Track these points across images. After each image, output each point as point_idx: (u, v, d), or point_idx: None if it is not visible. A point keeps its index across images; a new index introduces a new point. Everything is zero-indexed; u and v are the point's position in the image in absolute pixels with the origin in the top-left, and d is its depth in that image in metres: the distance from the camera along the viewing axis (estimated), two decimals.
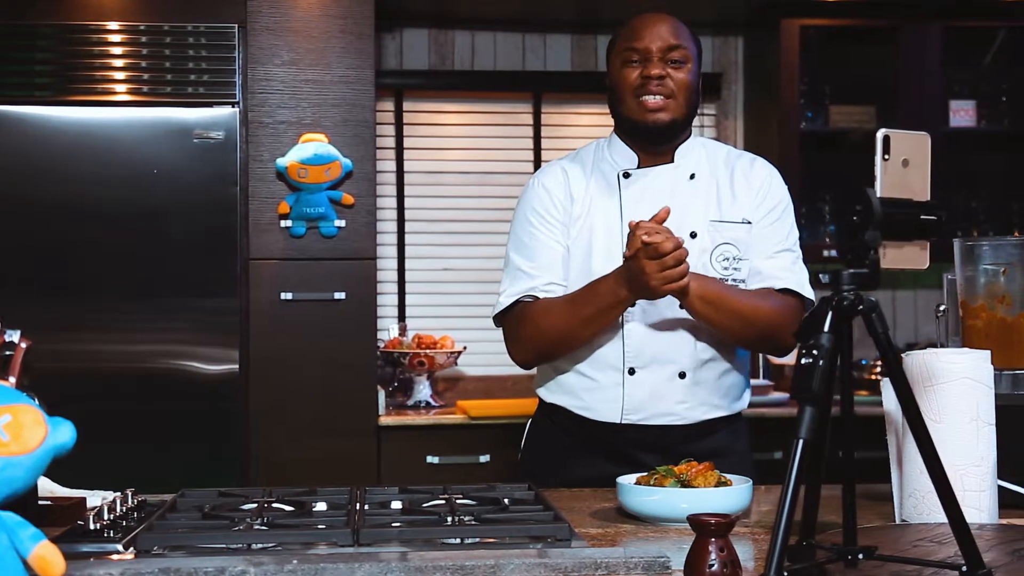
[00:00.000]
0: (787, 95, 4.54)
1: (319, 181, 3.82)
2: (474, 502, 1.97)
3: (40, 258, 3.72)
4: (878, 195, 1.31)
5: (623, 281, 2.22)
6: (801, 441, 1.25)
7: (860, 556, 1.29)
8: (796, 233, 2.47)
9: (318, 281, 3.88)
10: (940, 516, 1.68)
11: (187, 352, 3.77)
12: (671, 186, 2.38)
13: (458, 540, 1.72)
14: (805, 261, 4.59)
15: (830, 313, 1.27)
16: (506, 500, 1.99)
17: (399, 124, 4.69)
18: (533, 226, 2.42)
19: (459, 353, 4.28)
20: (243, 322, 3.82)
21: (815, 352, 1.25)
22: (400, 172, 4.70)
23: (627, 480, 1.99)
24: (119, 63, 3.77)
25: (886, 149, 1.32)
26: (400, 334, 4.40)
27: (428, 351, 4.20)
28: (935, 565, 1.31)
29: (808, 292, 2.41)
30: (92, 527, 1.73)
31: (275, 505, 1.94)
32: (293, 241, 3.86)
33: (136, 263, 3.76)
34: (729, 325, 2.31)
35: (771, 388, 4.37)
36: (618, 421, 2.33)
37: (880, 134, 1.32)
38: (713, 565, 1.46)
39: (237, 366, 3.79)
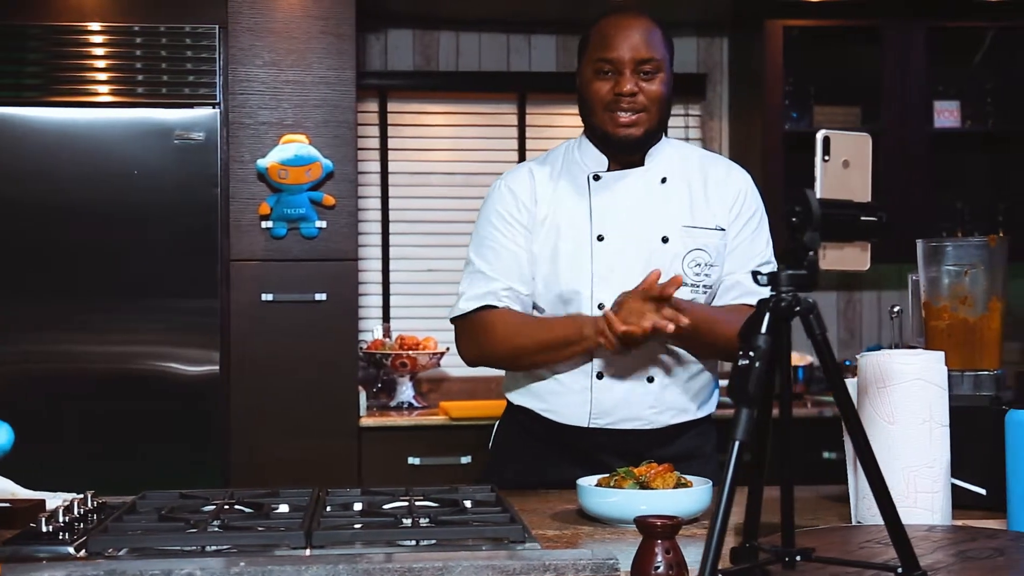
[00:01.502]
0: (771, 96, 4.53)
1: (300, 182, 3.82)
2: (436, 504, 1.97)
3: (20, 258, 3.73)
4: (818, 196, 1.30)
5: (593, 331, 2.22)
6: (737, 443, 1.24)
7: (798, 558, 1.29)
8: (771, 243, 2.47)
9: (299, 282, 3.87)
10: None
11: (168, 353, 3.77)
12: (641, 190, 2.35)
13: (413, 542, 1.72)
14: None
15: (767, 315, 1.26)
16: (466, 502, 1.99)
17: (383, 125, 4.70)
18: (496, 228, 2.40)
19: (442, 354, 4.28)
20: (224, 323, 3.81)
21: (751, 354, 1.24)
22: (384, 173, 4.69)
23: (587, 482, 1.99)
24: (101, 64, 3.77)
25: (826, 150, 1.32)
26: (384, 335, 4.40)
27: (411, 352, 4.19)
28: (870, 567, 1.30)
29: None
30: (45, 529, 1.72)
31: (235, 507, 1.94)
32: (274, 242, 3.86)
33: (117, 264, 3.76)
34: (710, 351, 2.35)
35: None
36: (585, 425, 2.32)
37: (820, 135, 1.32)
38: (659, 567, 1.46)
39: (218, 367, 3.79)
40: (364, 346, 4.31)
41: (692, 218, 2.35)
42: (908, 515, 1.69)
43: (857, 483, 1.77)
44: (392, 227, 4.69)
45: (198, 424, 3.78)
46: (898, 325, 2.04)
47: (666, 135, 2.48)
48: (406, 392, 4.28)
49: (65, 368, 3.73)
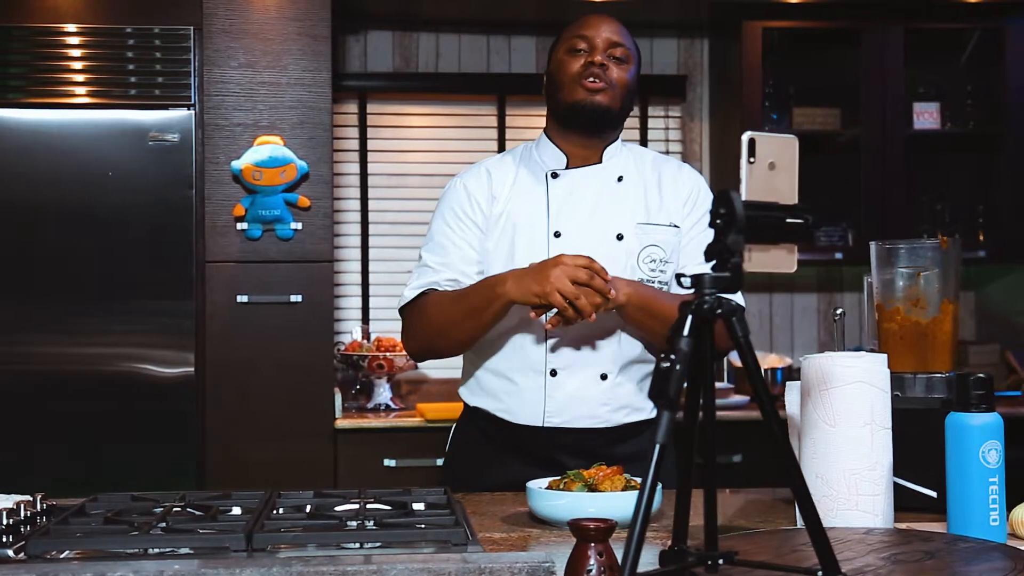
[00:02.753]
0: (750, 97, 4.53)
1: (274, 183, 3.82)
2: (388, 507, 1.96)
3: None
4: (742, 198, 1.30)
5: (510, 279, 2.23)
6: (658, 446, 1.24)
7: (720, 561, 1.29)
8: None
9: (275, 284, 3.87)
10: (834, 520, 1.68)
11: (143, 355, 3.77)
12: (598, 187, 2.39)
13: (358, 544, 1.72)
14: None
15: (689, 317, 1.26)
16: (418, 505, 1.99)
17: (363, 126, 4.69)
18: (448, 225, 2.43)
19: None
20: (199, 324, 3.82)
21: (672, 356, 1.24)
22: (364, 174, 4.69)
23: (536, 484, 1.99)
24: (76, 65, 3.77)
25: (751, 152, 1.31)
26: (363, 337, 4.40)
27: (387, 354, 4.19)
28: (792, 570, 1.30)
29: (740, 300, 2.42)
30: None
31: (185, 510, 1.93)
32: (249, 244, 3.86)
33: (91, 265, 3.76)
34: (661, 331, 2.32)
35: (731, 391, 4.36)
36: (540, 424, 2.33)
37: (745, 137, 1.32)
38: (591, 570, 1.45)
39: (193, 369, 3.79)
40: (342, 348, 4.31)
41: (647, 215, 2.38)
42: (850, 518, 1.69)
43: None
44: (371, 228, 4.69)
45: (173, 425, 3.78)
46: (840, 328, 2.03)
47: (622, 141, 2.51)
48: (383, 394, 4.28)
49: (39, 369, 3.73)
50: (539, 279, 2.17)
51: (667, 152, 4.89)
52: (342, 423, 3.97)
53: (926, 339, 2.04)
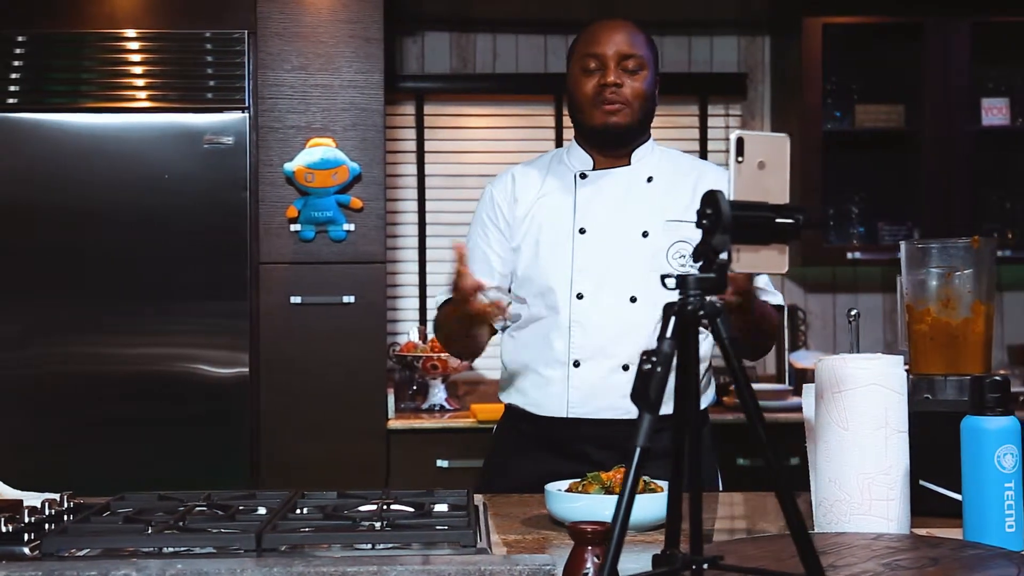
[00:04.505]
0: (809, 95, 4.46)
1: (326, 185, 3.84)
2: (408, 508, 1.96)
3: (54, 262, 3.80)
4: (731, 198, 1.28)
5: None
6: (639, 449, 1.23)
7: (705, 566, 1.27)
8: None
9: (327, 285, 3.90)
10: (848, 526, 1.65)
11: (197, 355, 3.82)
12: (626, 186, 2.42)
13: (369, 545, 1.72)
14: (831, 263, 4.56)
15: (672, 319, 1.24)
16: (439, 506, 1.99)
17: (420, 128, 4.71)
18: (476, 233, 2.55)
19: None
20: (253, 325, 3.86)
21: (654, 359, 1.22)
22: (421, 176, 4.71)
23: (555, 487, 1.98)
24: (133, 70, 3.84)
25: (740, 152, 1.29)
26: (419, 338, 4.41)
27: (441, 355, 4.20)
28: (775, 574, 1.28)
29: (780, 299, 2.44)
30: (4, 529, 1.75)
31: (211, 509, 1.95)
32: (302, 245, 3.89)
33: (148, 267, 3.82)
34: (755, 338, 2.37)
35: (789, 393, 4.30)
36: (564, 415, 2.34)
37: (733, 136, 1.29)
38: (588, 573, 1.44)
39: (247, 369, 3.83)
40: (397, 348, 4.33)
41: (677, 213, 2.37)
42: (864, 523, 1.66)
43: (816, 491, 1.73)
44: (429, 229, 4.70)
45: (227, 425, 3.82)
46: (855, 329, 1.99)
47: (654, 140, 2.53)
48: (438, 395, 4.29)
49: (96, 370, 3.79)
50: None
51: (727, 151, 4.83)
52: (395, 423, 3.99)
53: (957, 340, 1.99)
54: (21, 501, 2.04)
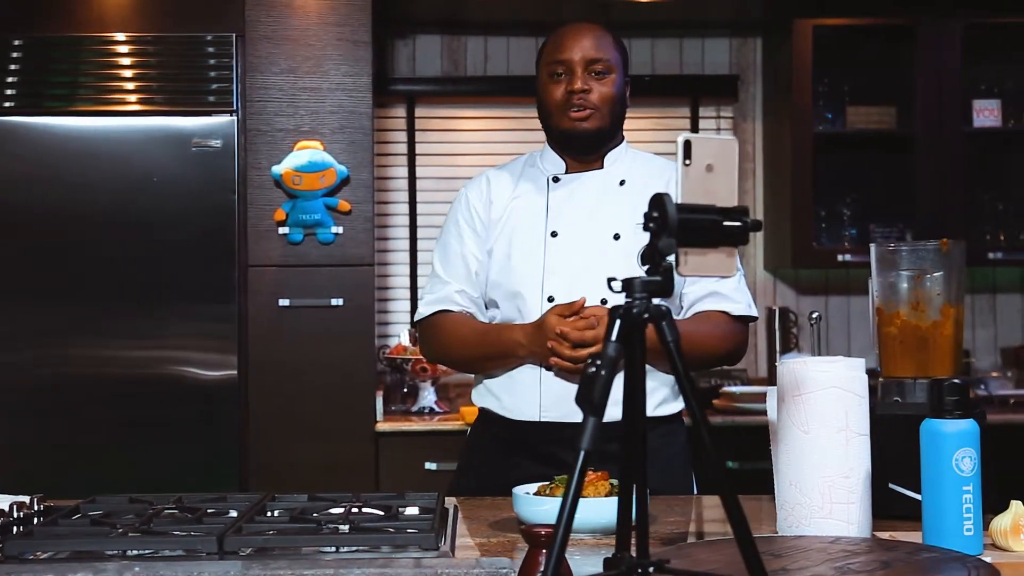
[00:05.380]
0: (800, 96, 4.46)
1: (314, 188, 3.85)
2: (378, 511, 1.96)
3: (42, 264, 3.81)
4: (677, 201, 1.28)
5: (523, 343, 2.32)
6: (583, 452, 1.23)
7: (651, 569, 1.27)
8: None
9: (316, 288, 3.90)
10: (809, 529, 1.65)
11: (186, 358, 3.83)
12: (599, 190, 2.41)
13: (333, 548, 1.72)
14: (822, 265, 4.54)
15: (617, 322, 1.24)
16: (410, 509, 1.99)
17: (411, 130, 4.71)
18: (451, 235, 2.52)
19: None
20: (242, 328, 3.86)
21: (599, 362, 1.22)
22: (412, 178, 4.71)
23: (524, 490, 1.98)
24: (122, 73, 3.84)
25: (687, 154, 1.29)
26: (410, 340, 4.41)
27: None
28: None
29: (753, 311, 2.43)
30: None
31: (172, 511, 1.95)
32: (291, 248, 3.90)
33: (136, 270, 3.82)
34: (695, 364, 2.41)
35: None
36: (537, 419, 2.34)
37: (680, 139, 1.29)
38: None
39: (235, 372, 3.83)
40: (387, 351, 4.33)
41: None
42: (824, 526, 1.65)
43: (777, 494, 1.73)
44: (420, 232, 4.70)
45: (216, 428, 3.83)
46: (817, 331, 1.99)
47: (627, 143, 2.54)
48: (428, 397, 4.29)
49: (84, 372, 3.80)
50: (541, 345, 2.27)
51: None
52: (383, 426, 3.99)
53: (927, 343, 1.99)
54: None
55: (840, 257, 4.46)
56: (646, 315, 1.24)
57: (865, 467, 1.66)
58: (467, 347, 2.43)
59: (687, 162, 1.29)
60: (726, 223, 1.28)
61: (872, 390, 2.06)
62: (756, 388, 4.30)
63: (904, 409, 1.94)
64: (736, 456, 3.92)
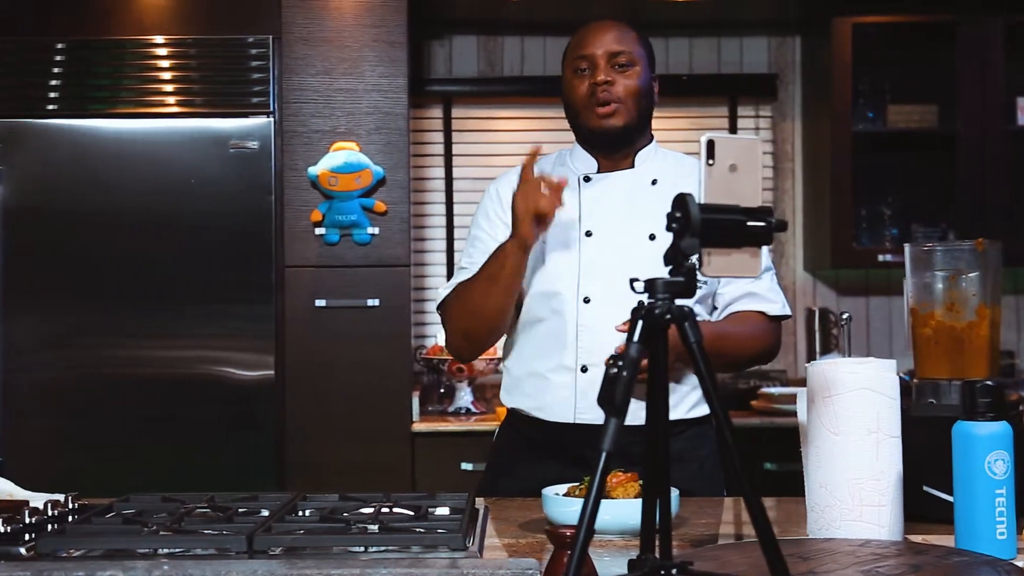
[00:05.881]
0: (839, 95, 4.42)
1: (350, 189, 3.86)
2: (405, 511, 1.97)
3: (81, 265, 3.84)
4: (700, 201, 1.27)
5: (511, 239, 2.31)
6: (604, 454, 1.22)
7: (674, 571, 1.26)
8: (770, 250, 2.48)
9: (352, 288, 3.92)
10: (839, 531, 1.63)
11: (224, 358, 3.85)
12: (631, 189, 2.40)
13: (362, 548, 1.72)
14: (862, 265, 4.50)
15: (639, 323, 1.24)
16: (440, 509, 2.00)
17: (448, 131, 4.72)
18: (480, 228, 2.50)
19: (499, 360, 4.27)
20: (278, 329, 3.88)
21: (620, 363, 1.22)
22: (449, 179, 4.72)
23: (552, 491, 1.98)
24: (161, 76, 3.88)
25: (710, 154, 1.28)
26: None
27: None
28: None
29: (787, 310, 2.42)
30: (2, 530, 1.78)
31: (203, 511, 1.96)
32: (327, 248, 3.91)
33: (174, 271, 3.85)
34: (722, 365, 2.40)
35: None
36: (571, 421, 2.33)
37: (703, 139, 1.28)
38: None
39: (273, 372, 3.86)
40: (423, 352, 4.34)
41: None
42: (854, 529, 1.64)
43: (808, 496, 1.71)
44: (457, 232, 4.71)
45: (253, 428, 3.85)
46: (848, 332, 1.97)
47: (656, 142, 2.52)
48: (464, 398, 4.29)
49: (122, 373, 3.83)
50: (515, 214, 2.27)
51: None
52: (419, 426, 3.99)
53: (962, 344, 1.96)
54: (26, 502, 2.07)
55: (880, 257, 4.42)
56: (668, 316, 1.23)
57: (897, 469, 1.64)
58: (470, 287, 2.38)
59: (710, 162, 1.28)
60: (750, 223, 1.27)
61: (907, 392, 2.05)
62: (795, 389, 4.25)
63: (938, 411, 1.92)
64: (774, 458, 3.90)
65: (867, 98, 4.58)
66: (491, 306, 2.36)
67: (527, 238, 2.26)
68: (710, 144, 1.28)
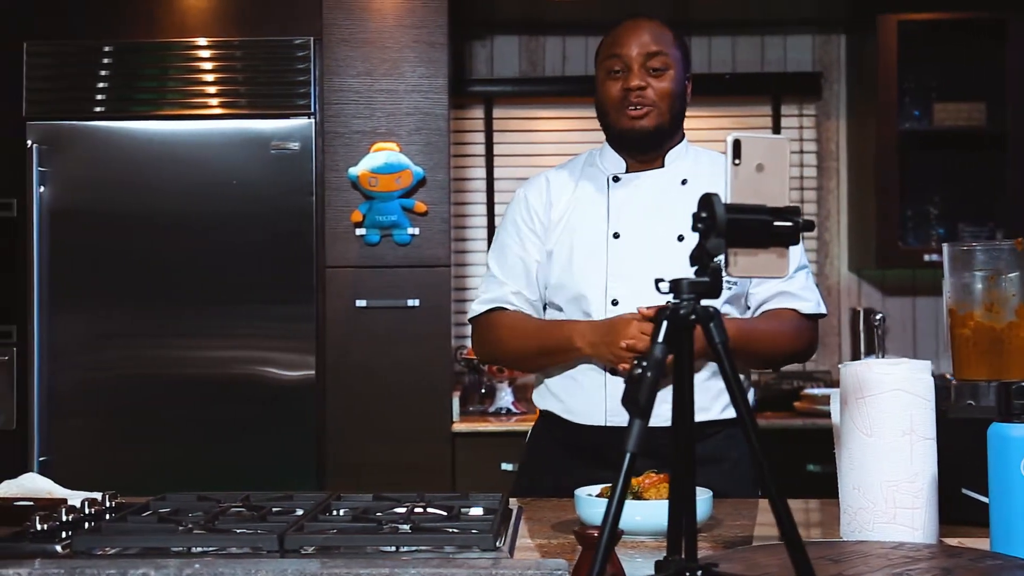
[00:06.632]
0: (885, 93, 4.37)
1: (390, 189, 3.87)
2: (438, 511, 1.97)
3: (123, 265, 3.88)
4: (726, 201, 1.26)
5: (586, 336, 2.28)
6: (628, 455, 1.21)
7: (699, 573, 1.25)
8: (804, 250, 2.45)
9: (392, 288, 3.93)
10: (872, 534, 1.61)
11: (265, 358, 3.87)
12: (660, 189, 2.38)
13: (393, 548, 1.73)
14: (908, 265, 4.45)
15: (664, 323, 1.23)
16: (474, 509, 2.00)
17: (489, 131, 4.72)
18: (509, 235, 2.50)
19: None
20: (319, 329, 3.90)
21: (644, 364, 1.21)
22: (490, 179, 4.72)
23: (585, 492, 1.97)
24: (204, 78, 3.91)
25: (736, 154, 1.27)
26: None
27: None
28: None
29: (823, 308, 2.40)
30: (39, 528, 1.80)
31: (238, 510, 1.97)
32: (367, 249, 3.93)
33: (215, 271, 3.88)
34: (751, 360, 2.41)
35: None
36: (603, 424, 2.32)
37: (729, 138, 1.27)
38: None
39: (313, 372, 3.87)
40: (464, 351, 4.34)
41: None
42: (888, 532, 1.62)
43: (841, 498, 1.69)
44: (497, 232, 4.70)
45: (294, 428, 3.87)
46: (881, 333, 1.94)
47: (688, 141, 2.50)
48: (505, 398, 4.29)
49: (165, 373, 3.86)
50: (609, 345, 2.23)
51: (802, 152, 4.77)
52: (459, 427, 4.00)
53: (1001, 345, 1.93)
54: (64, 500, 2.09)
55: (927, 257, 4.37)
56: (693, 316, 1.22)
57: (931, 471, 1.62)
58: (523, 340, 2.40)
59: (736, 161, 1.27)
60: (777, 223, 1.26)
61: (946, 393, 2.02)
62: (837, 390, 4.22)
63: (976, 412, 1.89)
64: (817, 459, 3.86)
65: (913, 96, 4.53)
66: (529, 366, 2.49)
67: (611, 363, 2.26)
68: (736, 143, 1.27)
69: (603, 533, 1.19)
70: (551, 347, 2.34)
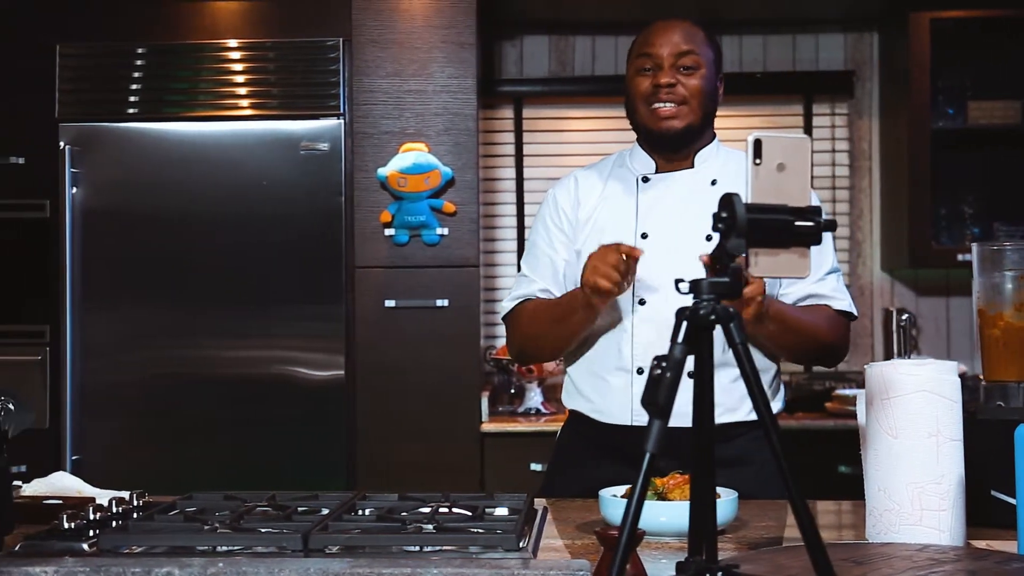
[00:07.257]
0: (917, 92, 4.33)
1: (419, 190, 3.88)
2: (462, 511, 1.97)
3: (154, 265, 3.91)
4: (747, 201, 1.25)
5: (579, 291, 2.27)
6: (648, 455, 1.21)
7: (719, 574, 1.24)
8: (835, 251, 2.44)
9: (421, 288, 3.93)
10: (898, 536, 1.60)
11: (294, 358, 3.89)
12: (689, 189, 2.38)
13: (416, 548, 1.73)
14: (941, 265, 4.41)
15: (684, 324, 1.22)
16: (499, 510, 2.00)
17: (518, 131, 4.72)
18: (539, 235, 2.52)
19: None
20: (349, 329, 3.91)
21: (664, 364, 1.20)
22: (520, 179, 4.72)
23: (610, 492, 1.97)
24: (234, 79, 3.92)
25: (757, 154, 1.26)
26: None
27: None
28: None
29: (854, 309, 2.39)
30: (67, 526, 1.81)
31: (264, 509, 1.98)
32: (397, 249, 3.93)
33: (245, 271, 3.90)
34: (790, 343, 2.34)
35: None
36: (629, 423, 2.31)
37: (750, 138, 1.26)
38: None
39: (343, 372, 3.89)
40: (493, 352, 4.34)
41: None
42: (914, 533, 1.60)
43: (867, 500, 1.68)
44: (527, 233, 4.69)
45: (323, 428, 3.88)
46: (906, 333, 1.93)
47: (719, 141, 2.49)
48: (534, 398, 4.28)
49: (194, 372, 3.89)
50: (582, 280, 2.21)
51: (834, 151, 4.74)
52: (488, 427, 4.00)
53: None
54: (93, 499, 2.11)
55: (961, 257, 4.32)
56: (712, 317, 1.21)
57: (958, 473, 1.60)
58: (540, 317, 2.40)
59: (757, 161, 1.26)
60: (798, 223, 1.25)
61: (975, 393, 2.00)
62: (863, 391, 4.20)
63: (1006, 414, 1.87)
64: (849, 460, 3.83)
65: (946, 95, 4.49)
66: (549, 344, 2.43)
67: (594, 305, 2.24)
68: (757, 143, 1.26)
69: (622, 533, 1.18)
70: (561, 311, 2.33)
